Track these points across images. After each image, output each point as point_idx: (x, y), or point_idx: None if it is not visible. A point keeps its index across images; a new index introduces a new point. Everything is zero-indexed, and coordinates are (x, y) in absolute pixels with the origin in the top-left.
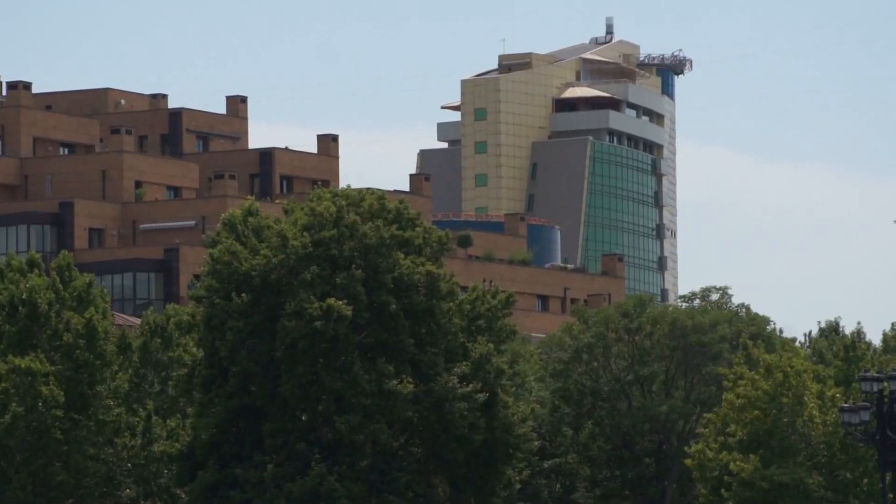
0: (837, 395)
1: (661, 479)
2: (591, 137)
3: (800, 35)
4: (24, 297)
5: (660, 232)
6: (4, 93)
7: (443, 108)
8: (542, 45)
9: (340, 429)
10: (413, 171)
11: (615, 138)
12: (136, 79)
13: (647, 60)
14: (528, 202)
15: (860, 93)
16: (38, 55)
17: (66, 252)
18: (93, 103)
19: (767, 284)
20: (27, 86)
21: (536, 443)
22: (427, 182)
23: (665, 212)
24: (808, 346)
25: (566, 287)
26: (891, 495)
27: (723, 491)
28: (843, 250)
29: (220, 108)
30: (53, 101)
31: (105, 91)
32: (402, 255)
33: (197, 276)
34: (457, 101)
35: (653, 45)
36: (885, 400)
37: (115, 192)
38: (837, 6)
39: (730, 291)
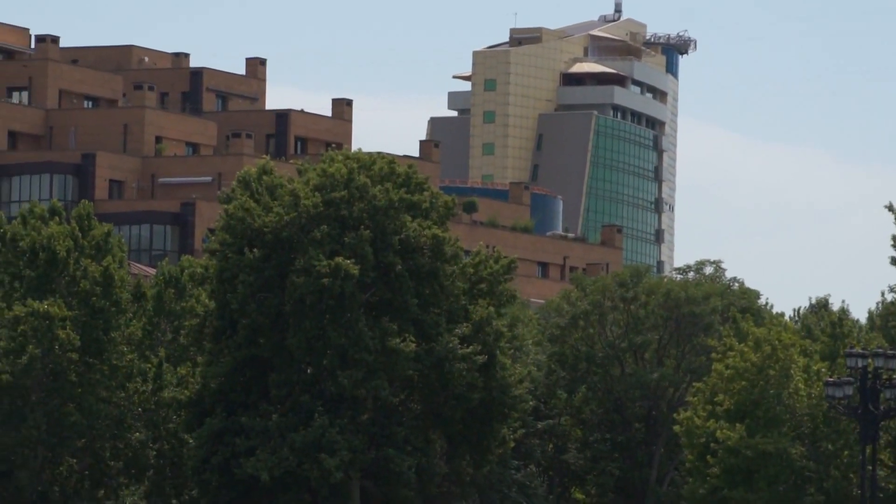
0: (823, 370)
1: (650, 444)
2: (595, 112)
3: (803, 20)
4: (44, 243)
5: (658, 206)
6: (33, 46)
7: (454, 77)
8: (552, 20)
9: (343, 383)
10: (423, 137)
11: (619, 113)
12: (159, 37)
13: (652, 39)
14: (532, 172)
15: (859, 79)
16: (66, 10)
17: (87, 202)
18: (117, 59)
19: (760, 260)
20: (55, 40)
21: (531, 404)
22: (436, 149)
23: (664, 186)
24: (798, 322)
25: (566, 255)
26: (870, 467)
27: (709, 457)
28: (835, 230)
29: (240, 69)
30: (80, 56)
31: (129, 48)
32: (410, 218)
33: (211, 230)
34: (468, 71)
35: (659, 25)
36: (869, 376)
37: (135, 145)
38: None
39: (723, 265)
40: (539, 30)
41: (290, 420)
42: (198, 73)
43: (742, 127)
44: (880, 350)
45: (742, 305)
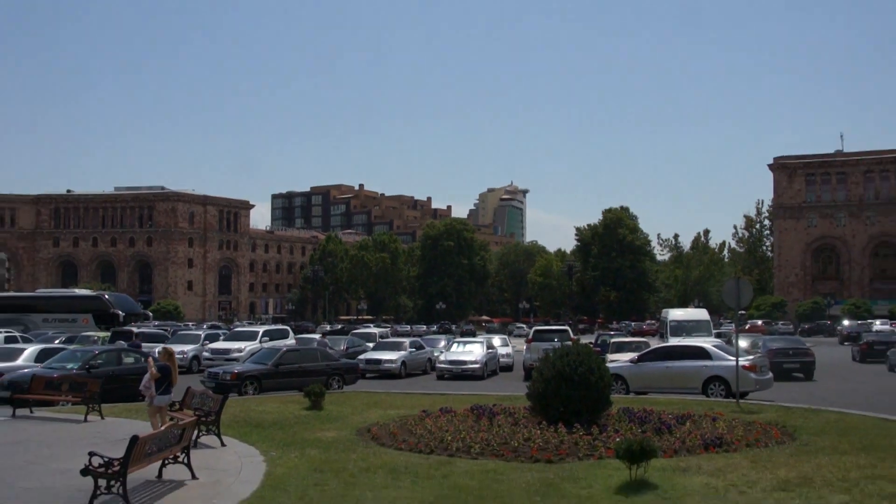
0: (560, 264)
1: (518, 294)
2: (508, 208)
3: (575, 169)
4: (378, 241)
5: (523, 235)
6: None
7: (474, 203)
8: (498, 183)
9: (445, 282)
10: (466, 216)
11: (514, 210)
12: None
13: (519, 188)
14: (494, 219)
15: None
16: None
17: (391, 233)
18: (410, 201)
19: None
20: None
21: (494, 276)
22: (469, 219)
23: (526, 231)
24: (555, 254)
25: (499, 242)
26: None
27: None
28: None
29: (411, 197)
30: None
31: (399, 196)
32: (467, 235)
33: (414, 238)
34: (476, 200)
35: (521, 182)
36: (571, 268)
37: (406, 220)
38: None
39: (540, 244)
40: (494, 188)
41: (435, 293)
42: (424, 204)
43: (549, 211)
44: (573, 261)
45: (540, 251)
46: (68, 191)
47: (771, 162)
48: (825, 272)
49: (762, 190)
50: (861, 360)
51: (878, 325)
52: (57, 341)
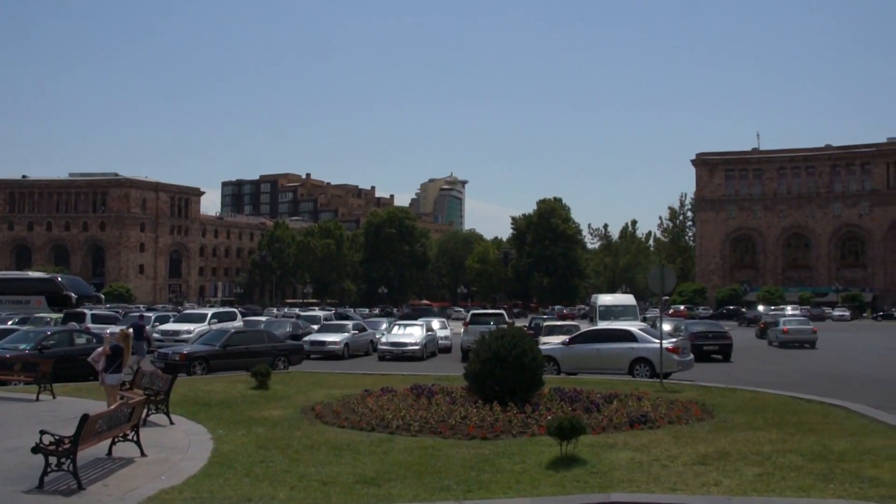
0: (497, 251)
1: (456, 280)
2: (449, 197)
3: (509, 163)
4: (331, 229)
5: (462, 224)
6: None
7: (416, 192)
8: (439, 174)
9: (389, 267)
10: (408, 204)
11: (454, 199)
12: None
13: (458, 179)
14: (434, 212)
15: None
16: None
17: (337, 221)
18: (354, 191)
19: (489, 232)
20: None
21: (434, 262)
22: (411, 207)
23: (465, 220)
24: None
25: (442, 230)
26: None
27: (475, 269)
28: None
29: (358, 187)
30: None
31: (353, 187)
32: (409, 223)
33: (358, 225)
34: (418, 189)
35: (460, 174)
36: (507, 255)
37: (349, 209)
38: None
39: (479, 231)
40: (435, 179)
41: (378, 278)
42: (368, 193)
43: (486, 200)
44: (509, 248)
45: (478, 238)
46: (23, 176)
47: (693, 158)
48: (742, 261)
49: (685, 183)
50: (760, 336)
51: (789, 310)
52: (10, 322)
